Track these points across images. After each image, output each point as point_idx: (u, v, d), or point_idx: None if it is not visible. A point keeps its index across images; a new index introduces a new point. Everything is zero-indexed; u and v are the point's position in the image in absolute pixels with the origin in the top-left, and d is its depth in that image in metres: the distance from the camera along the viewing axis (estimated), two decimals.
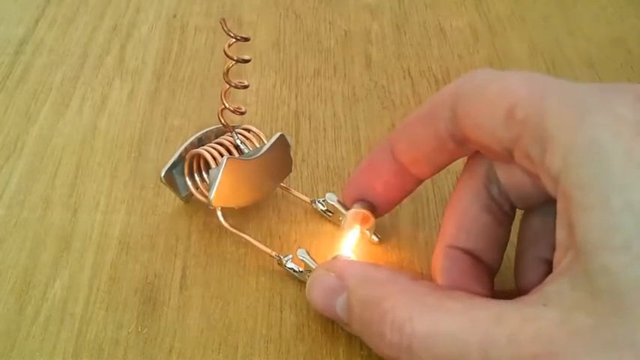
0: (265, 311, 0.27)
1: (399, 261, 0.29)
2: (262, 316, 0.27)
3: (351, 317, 0.23)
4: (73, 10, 0.43)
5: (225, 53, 0.28)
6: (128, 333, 0.27)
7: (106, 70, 0.39)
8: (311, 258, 0.27)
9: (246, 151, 0.30)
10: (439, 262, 0.24)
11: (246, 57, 0.28)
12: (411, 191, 0.27)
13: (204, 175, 0.30)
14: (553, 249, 0.19)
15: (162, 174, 0.30)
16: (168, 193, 0.31)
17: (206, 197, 0.28)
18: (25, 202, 0.31)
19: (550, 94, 0.19)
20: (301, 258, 0.27)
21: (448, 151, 0.23)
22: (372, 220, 0.28)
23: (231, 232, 0.29)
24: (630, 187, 0.17)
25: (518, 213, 0.25)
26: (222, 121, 0.30)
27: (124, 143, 0.34)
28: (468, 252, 0.24)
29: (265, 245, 0.29)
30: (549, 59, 0.40)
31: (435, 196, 0.32)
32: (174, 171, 0.30)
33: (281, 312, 0.27)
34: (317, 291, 0.24)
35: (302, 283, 0.28)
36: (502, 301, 0.19)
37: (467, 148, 0.23)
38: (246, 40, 0.28)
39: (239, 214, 0.30)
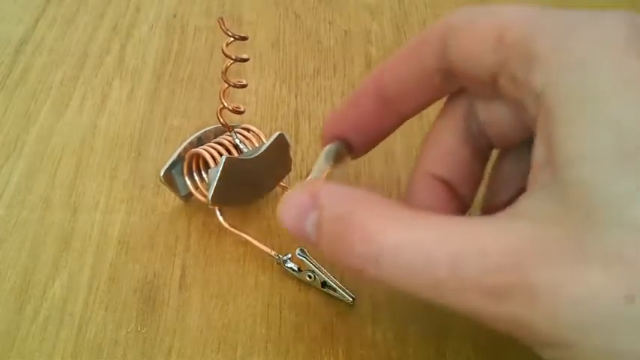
0: (265, 311, 0.27)
1: None
2: (262, 316, 0.27)
3: (321, 233, 0.22)
4: (73, 10, 0.43)
5: (224, 52, 0.28)
6: (127, 333, 0.27)
7: (106, 69, 0.39)
8: (310, 257, 0.27)
9: (245, 150, 0.30)
10: (415, 186, 0.24)
11: (245, 56, 0.28)
12: (391, 131, 0.26)
13: (204, 175, 0.30)
14: (522, 192, 0.19)
15: (162, 173, 0.30)
16: (167, 192, 0.31)
17: (205, 197, 0.28)
18: (25, 202, 0.31)
19: (540, 18, 0.19)
20: (300, 257, 0.27)
21: (433, 86, 0.23)
22: (348, 158, 0.27)
23: (231, 231, 0.29)
24: (613, 100, 0.16)
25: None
26: (222, 120, 0.30)
27: (124, 143, 0.34)
28: (443, 181, 0.24)
29: (264, 245, 0.29)
30: None
31: None
32: (173, 170, 0.30)
33: (280, 312, 0.27)
34: (288, 208, 0.23)
35: (301, 282, 0.28)
36: (475, 217, 0.19)
37: (452, 84, 0.23)
38: (244, 39, 0.28)
39: (238, 214, 0.30)
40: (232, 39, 0.28)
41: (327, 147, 0.27)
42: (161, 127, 0.35)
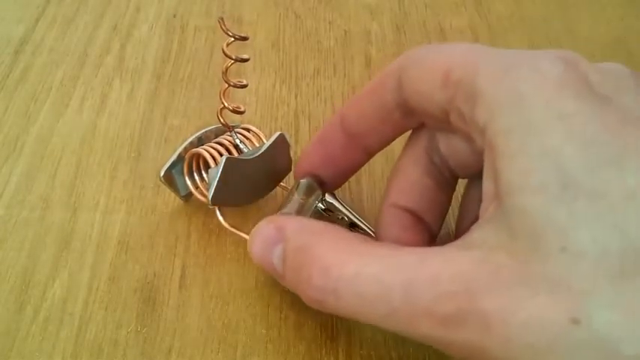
0: (265, 311, 0.27)
1: None
2: (262, 316, 0.27)
3: (286, 266, 0.23)
4: (73, 9, 0.43)
5: (224, 52, 0.28)
6: (127, 332, 0.27)
7: (106, 69, 0.39)
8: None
9: (245, 150, 0.30)
10: (383, 218, 0.25)
11: (245, 56, 0.28)
12: (359, 166, 0.28)
13: (204, 175, 0.30)
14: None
15: (162, 173, 0.30)
16: (167, 192, 0.31)
17: (205, 197, 0.28)
18: (25, 202, 0.31)
19: (483, 57, 0.20)
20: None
21: (394, 122, 0.24)
22: (319, 192, 0.28)
23: (231, 231, 0.29)
24: (548, 133, 0.17)
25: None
26: (222, 120, 0.30)
27: (124, 143, 0.34)
28: (410, 211, 0.25)
29: None
30: None
31: None
32: (173, 170, 0.30)
33: (280, 311, 0.27)
34: (256, 241, 0.24)
35: None
36: (429, 247, 0.20)
37: (412, 120, 0.24)
38: (245, 39, 0.28)
39: (239, 214, 0.30)
40: (232, 39, 0.28)
41: (299, 181, 0.28)
42: (161, 127, 0.35)
